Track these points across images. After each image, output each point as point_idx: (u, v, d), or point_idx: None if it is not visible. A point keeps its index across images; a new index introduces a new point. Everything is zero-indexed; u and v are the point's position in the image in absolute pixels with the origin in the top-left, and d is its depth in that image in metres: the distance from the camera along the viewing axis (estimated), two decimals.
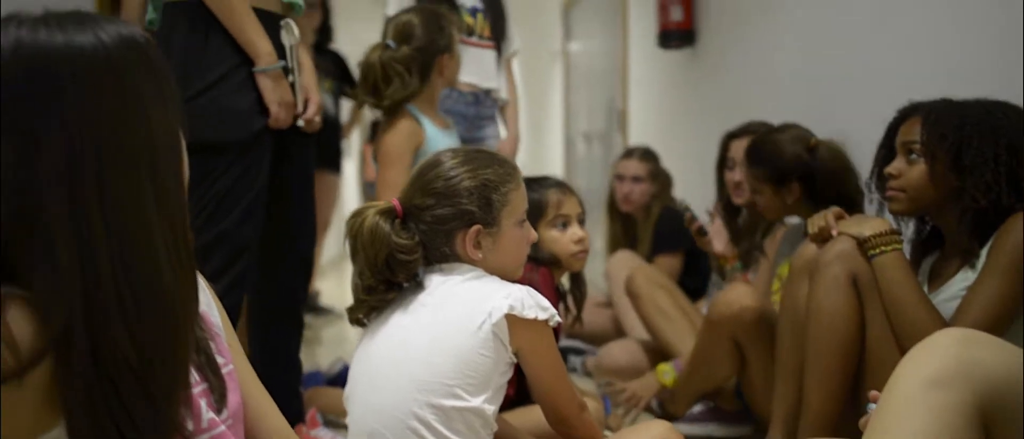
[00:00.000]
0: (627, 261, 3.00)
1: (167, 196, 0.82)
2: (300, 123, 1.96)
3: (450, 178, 1.46)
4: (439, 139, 2.30)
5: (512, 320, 1.37)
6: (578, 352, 3.06)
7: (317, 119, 2.01)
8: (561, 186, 1.95)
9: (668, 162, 3.42)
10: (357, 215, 1.47)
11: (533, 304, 1.39)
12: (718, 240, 2.61)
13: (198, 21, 1.82)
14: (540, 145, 7.04)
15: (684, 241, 3.07)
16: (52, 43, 0.77)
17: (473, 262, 1.48)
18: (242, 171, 1.83)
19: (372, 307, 1.48)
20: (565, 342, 3.15)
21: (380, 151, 2.28)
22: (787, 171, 2.17)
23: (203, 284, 1.03)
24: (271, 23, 1.90)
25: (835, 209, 1.82)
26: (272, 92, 1.85)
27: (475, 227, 1.46)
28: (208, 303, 1.06)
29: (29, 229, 0.76)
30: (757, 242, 2.53)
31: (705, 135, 3.57)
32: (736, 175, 2.51)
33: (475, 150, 1.56)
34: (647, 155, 3.32)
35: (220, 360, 0.98)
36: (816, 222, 1.81)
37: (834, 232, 1.75)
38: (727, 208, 2.60)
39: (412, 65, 2.26)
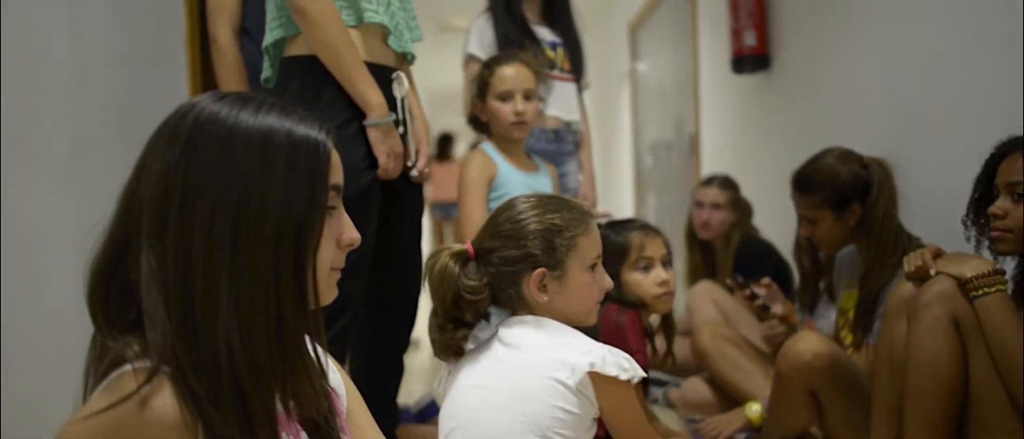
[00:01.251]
0: (709, 292, 2.97)
1: (248, 260, 0.89)
2: (413, 173, 2.01)
3: (517, 221, 1.50)
4: (514, 177, 2.34)
5: (595, 377, 1.40)
6: (660, 383, 3.04)
7: (427, 170, 2.06)
8: (645, 228, 1.96)
9: (744, 188, 3.39)
10: (433, 257, 1.53)
11: (614, 363, 1.41)
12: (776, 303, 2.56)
13: (311, 75, 1.88)
14: (609, 165, 7.03)
15: (765, 270, 3.04)
16: (209, 108, 0.92)
17: (540, 305, 1.50)
18: None
19: (446, 345, 1.52)
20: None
21: (458, 185, 2.37)
22: (847, 192, 2.12)
23: (334, 365, 1.09)
24: (383, 76, 1.95)
25: (932, 247, 1.79)
26: (382, 144, 1.90)
27: (540, 270, 1.48)
28: (338, 382, 1.11)
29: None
30: (825, 284, 2.49)
31: (781, 163, 3.53)
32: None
33: (549, 196, 1.59)
34: (727, 183, 3.29)
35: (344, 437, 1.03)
36: (912, 261, 1.78)
37: (932, 271, 1.72)
38: (798, 249, 2.56)
39: (469, 110, 2.47)
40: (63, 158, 1.97)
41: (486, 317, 1.54)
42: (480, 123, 2.43)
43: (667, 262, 1.95)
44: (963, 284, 1.65)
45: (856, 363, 2.13)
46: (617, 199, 6.29)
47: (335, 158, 0.95)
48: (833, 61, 3.06)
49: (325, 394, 0.98)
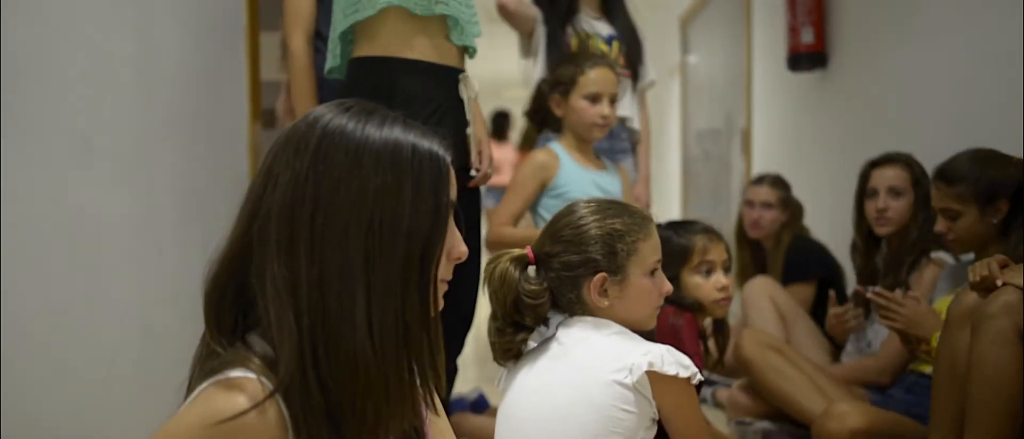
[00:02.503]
0: (765, 288, 2.92)
1: (381, 273, 0.90)
2: (473, 173, 2.02)
3: (578, 226, 1.51)
4: (580, 176, 2.34)
5: (653, 376, 1.41)
6: (709, 383, 3.03)
7: (489, 172, 2.07)
8: (708, 232, 1.94)
9: (795, 188, 3.35)
10: (493, 261, 1.54)
11: (673, 362, 1.42)
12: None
13: (384, 75, 1.92)
14: (658, 160, 6.98)
15: (816, 269, 3.00)
16: (335, 119, 0.93)
17: (601, 310, 1.51)
18: None
19: (506, 348, 1.54)
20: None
21: (513, 174, 2.39)
22: (998, 186, 2.04)
23: None
24: (449, 77, 1.97)
25: (1000, 257, 1.76)
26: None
27: (600, 275, 1.49)
28: None
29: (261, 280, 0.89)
30: (902, 278, 2.44)
31: (837, 162, 3.49)
32: (879, 203, 2.44)
33: (610, 200, 1.61)
34: (778, 182, 3.25)
35: None
36: (978, 270, 1.75)
37: (999, 282, 1.69)
38: (866, 241, 2.53)
39: (533, 106, 2.50)
40: (127, 155, 2.01)
41: (545, 321, 1.54)
42: (546, 118, 2.45)
43: (727, 267, 1.94)
44: None
45: (896, 419, 2.09)
46: (665, 195, 6.25)
47: (452, 173, 0.98)
48: (894, 60, 3.01)
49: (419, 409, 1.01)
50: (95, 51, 1.89)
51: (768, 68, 4.25)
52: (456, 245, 1.00)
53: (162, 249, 2.17)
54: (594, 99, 2.36)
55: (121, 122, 1.98)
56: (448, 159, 0.96)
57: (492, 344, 1.55)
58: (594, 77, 2.36)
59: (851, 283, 2.78)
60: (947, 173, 2.11)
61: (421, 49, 1.97)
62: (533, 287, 1.50)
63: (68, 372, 1.78)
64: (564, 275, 1.51)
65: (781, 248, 3.15)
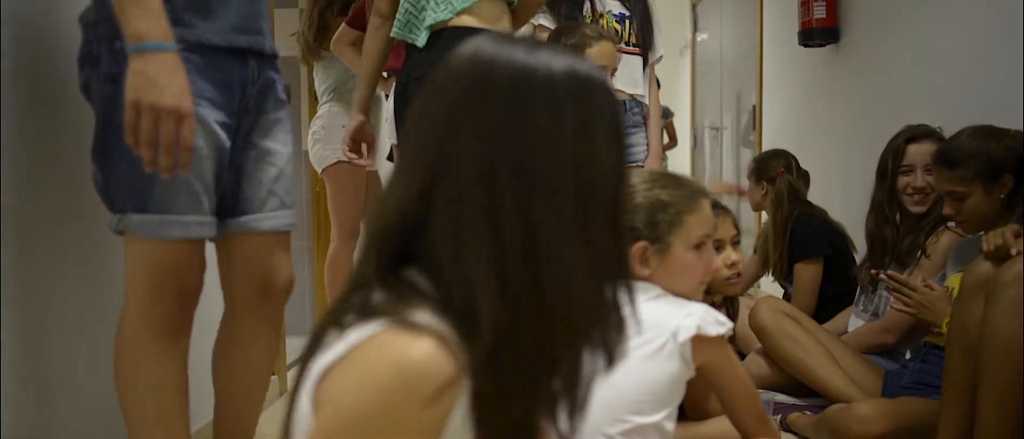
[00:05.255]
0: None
1: (591, 227, 0.84)
2: None
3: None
4: None
5: (698, 340, 1.41)
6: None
7: None
8: (717, 208, 1.94)
9: (806, 163, 3.34)
10: None
11: (713, 321, 1.43)
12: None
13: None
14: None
15: (823, 247, 3.00)
16: (510, 55, 0.84)
17: (641, 278, 1.50)
18: None
19: None
20: None
21: None
22: (1000, 161, 2.04)
23: None
24: None
25: (1014, 226, 1.76)
26: None
27: (641, 243, 1.49)
28: None
29: (453, 227, 0.81)
30: (920, 241, 2.44)
31: (847, 139, 3.48)
32: (917, 181, 2.42)
33: (661, 172, 1.59)
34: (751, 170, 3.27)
35: None
36: (992, 239, 1.75)
37: (1013, 251, 1.69)
38: (879, 218, 2.52)
39: None
40: None
41: None
42: None
43: (736, 242, 1.94)
44: None
45: (919, 409, 2.09)
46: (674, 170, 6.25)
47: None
48: (906, 35, 3.00)
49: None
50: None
51: (779, 44, 4.23)
52: None
53: None
54: None
55: None
56: (611, 85, 0.90)
57: None
58: (600, 51, 2.35)
59: (861, 252, 2.77)
60: (948, 156, 2.12)
61: (489, 17, 2.03)
62: None
63: (89, 337, 1.80)
64: None
65: (780, 219, 3.11)
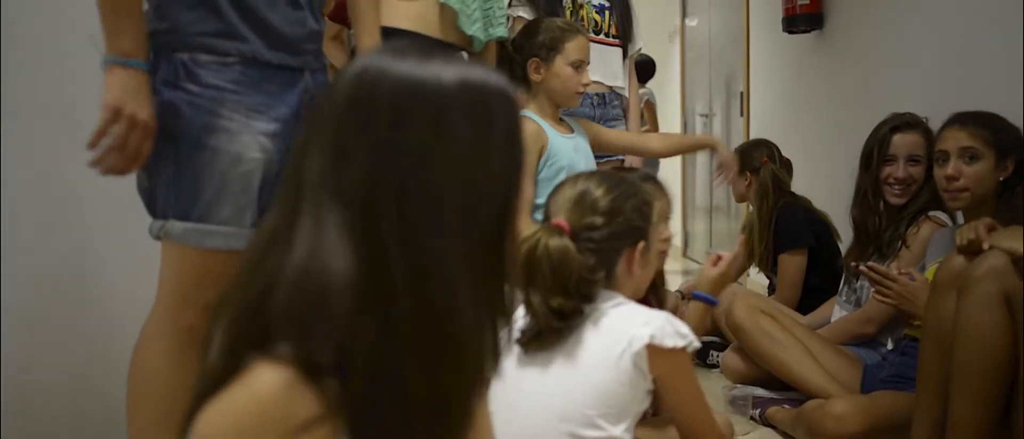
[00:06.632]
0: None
1: (478, 244, 0.80)
2: None
3: (614, 197, 1.45)
4: (562, 144, 2.32)
5: (652, 350, 1.36)
6: (719, 347, 3.02)
7: None
8: (652, 181, 1.89)
9: (792, 151, 3.32)
10: (532, 240, 1.41)
11: (673, 332, 1.37)
12: None
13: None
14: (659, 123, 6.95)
15: (807, 237, 2.98)
16: (397, 70, 0.79)
17: (626, 281, 1.45)
18: None
19: (559, 331, 1.40)
20: (703, 338, 3.10)
21: None
22: (1014, 142, 2.01)
23: None
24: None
25: (987, 220, 1.74)
26: None
27: (641, 244, 1.45)
28: None
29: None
30: (900, 233, 2.42)
31: (834, 123, 3.46)
32: (899, 172, 2.37)
33: (610, 172, 1.55)
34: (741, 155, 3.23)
35: None
36: (966, 233, 1.74)
37: (985, 245, 1.68)
38: (862, 207, 2.49)
39: (505, 68, 2.36)
40: None
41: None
42: (521, 81, 2.37)
43: (668, 218, 1.88)
44: (1017, 260, 1.61)
45: (895, 405, 2.08)
46: (665, 160, 6.20)
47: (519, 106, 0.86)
48: (889, 22, 2.98)
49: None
50: (83, 29, 1.88)
51: (765, 29, 4.20)
52: (526, 189, 0.89)
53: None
54: (577, 66, 2.32)
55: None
56: (516, 94, 0.84)
57: (537, 333, 1.40)
58: (578, 44, 2.33)
59: (846, 240, 2.74)
60: (971, 116, 2.05)
61: (421, 23, 1.95)
62: (589, 261, 1.40)
63: (61, 350, 1.79)
64: (604, 248, 1.42)
65: (765, 210, 3.09)
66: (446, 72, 0.80)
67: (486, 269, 0.81)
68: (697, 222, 6.14)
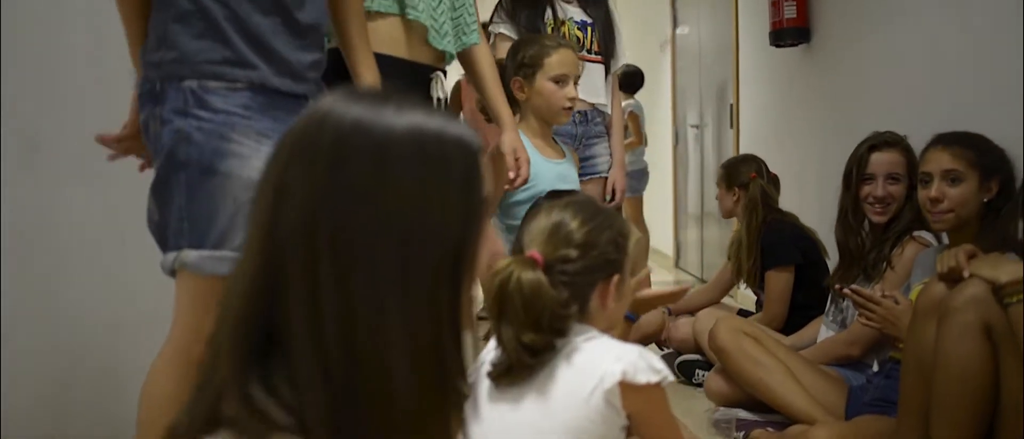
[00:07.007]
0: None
1: (416, 295, 0.76)
2: None
3: (589, 229, 1.40)
4: (547, 170, 2.28)
5: (625, 387, 1.32)
6: (704, 365, 2.99)
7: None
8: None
9: (781, 164, 3.29)
10: (504, 272, 1.35)
11: (646, 367, 1.32)
12: None
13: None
14: (649, 135, 6.93)
15: (793, 255, 2.96)
16: (344, 112, 0.77)
17: (600, 316, 1.41)
18: None
19: (531, 366, 1.35)
20: (688, 356, 3.08)
21: None
22: (997, 163, 2.00)
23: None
24: (421, 74, 1.93)
25: (967, 247, 1.72)
26: None
27: (616, 277, 1.40)
28: None
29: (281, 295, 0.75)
30: (884, 254, 2.39)
31: (821, 137, 3.44)
32: (878, 190, 2.35)
33: (582, 201, 1.50)
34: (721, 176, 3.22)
35: None
36: (946, 260, 1.71)
37: (965, 273, 1.65)
38: (845, 227, 2.47)
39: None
40: (78, 152, 1.97)
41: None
42: (512, 102, 2.33)
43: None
44: (997, 289, 1.58)
45: (877, 430, 2.04)
46: (657, 168, 6.18)
47: (483, 161, 0.82)
48: (875, 36, 2.96)
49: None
50: (47, 46, 1.85)
51: (754, 42, 4.18)
52: (489, 244, 0.85)
53: (125, 241, 2.13)
54: (560, 81, 2.29)
55: (71, 119, 1.94)
56: (477, 144, 0.81)
57: (517, 365, 1.35)
58: (560, 59, 2.30)
59: (833, 258, 2.72)
60: (954, 136, 2.04)
61: (390, 44, 1.91)
62: (562, 295, 1.35)
63: (31, 372, 1.76)
64: (577, 282, 1.37)
65: (754, 226, 3.07)
66: (398, 118, 0.77)
67: (434, 320, 0.77)
68: (689, 231, 6.11)
